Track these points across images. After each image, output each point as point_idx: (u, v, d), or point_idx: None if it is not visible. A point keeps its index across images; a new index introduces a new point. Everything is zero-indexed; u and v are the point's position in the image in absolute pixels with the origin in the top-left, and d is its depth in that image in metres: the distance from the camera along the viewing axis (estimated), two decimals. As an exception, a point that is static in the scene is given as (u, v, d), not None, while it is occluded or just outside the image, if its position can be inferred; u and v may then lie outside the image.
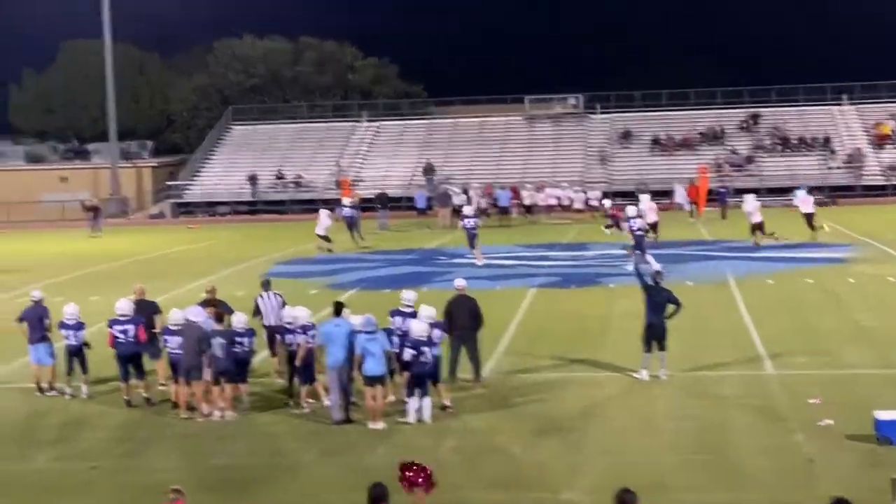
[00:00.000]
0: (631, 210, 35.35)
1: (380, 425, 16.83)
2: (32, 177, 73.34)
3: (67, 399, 19.36)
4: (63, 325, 19.56)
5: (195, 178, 70.60)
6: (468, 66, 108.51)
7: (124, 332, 18.70)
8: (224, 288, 24.16)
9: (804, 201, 42.09)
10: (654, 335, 19.64)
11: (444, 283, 30.26)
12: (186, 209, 67.71)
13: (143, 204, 72.90)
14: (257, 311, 20.55)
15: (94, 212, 57.35)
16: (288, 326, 18.49)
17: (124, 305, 19.04)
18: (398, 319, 18.53)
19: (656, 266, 32.57)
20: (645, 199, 42.11)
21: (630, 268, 32.11)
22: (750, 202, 40.78)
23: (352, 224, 45.20)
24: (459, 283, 20.34)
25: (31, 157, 77.18)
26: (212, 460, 15.74)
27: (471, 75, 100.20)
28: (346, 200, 46.75)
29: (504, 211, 53.28)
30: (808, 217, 40.99)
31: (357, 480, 14.48)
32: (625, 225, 36.10)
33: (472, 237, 37.25)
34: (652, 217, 39.29)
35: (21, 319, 20.30)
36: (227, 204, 67.60)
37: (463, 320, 19.47)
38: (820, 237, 40.41)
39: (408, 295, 19.06)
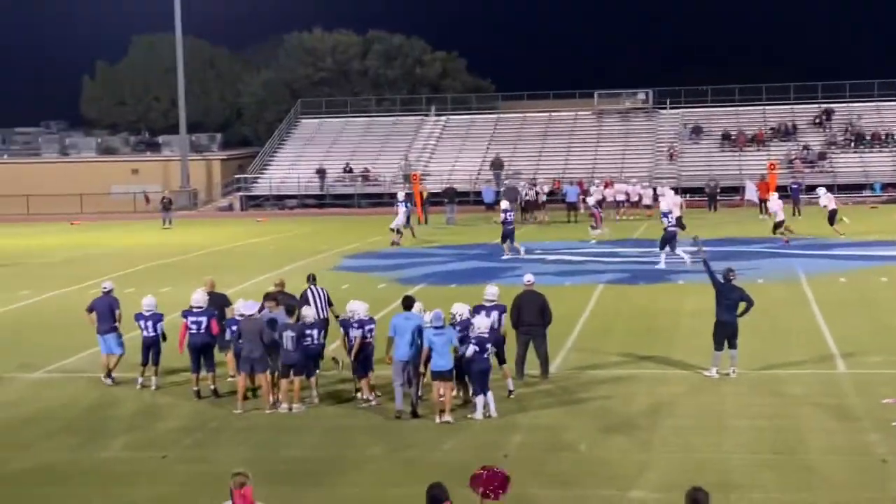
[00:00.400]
0: (664, 205, 36.45)
1: (448, 419, 16.86)
2: (104, 168, 74.33)
3: (139, 389, 19.57)
4: (140, 317, 19.65)
5: (264, 171, 71.15)
6: (537, 61, 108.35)
7: (198, 323, 18.87)
8: (292, 282, 24.26)
9: (828, 199, 41.88)
10: (725, 333, 19.47)
11: (512, 279, 30.26)
12: (255, 202, 68.28)
13: (213, 196, 73.62)
14: (306, 305, 20.59)
15: (164, 204, 58.02)
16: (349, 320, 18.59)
17: (200, 297, 19.19)
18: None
19: (662, 265, 33.29)
20: (669, 193, 42.84)
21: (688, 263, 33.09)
22: (824, 195, 41.31)
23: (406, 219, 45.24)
24: (528, 278, 20.28)
25: (103, 148, 78.19)
26: (280, 452, 15.86)
27: (539, 70, 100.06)
28: (399, 195, 47.05)
29: (572, 206, 53.06)
30: (832, 214, 40.96)
31: (424, 476, 14.54)
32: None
33: (508, 233, 37.64)
34: (676, 212, 39.02)
35: (91, 309, 20.52)
36: (295, 197, 68.06)
37: (531, 316, 19.43)
38: (842, 230, 40.30)
39: (491, 290, 18.95)
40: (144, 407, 18.49)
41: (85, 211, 67.44)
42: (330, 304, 20.88)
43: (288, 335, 17.88)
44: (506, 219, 37.82)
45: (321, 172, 68.28)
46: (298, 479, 14.67)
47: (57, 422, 17.75)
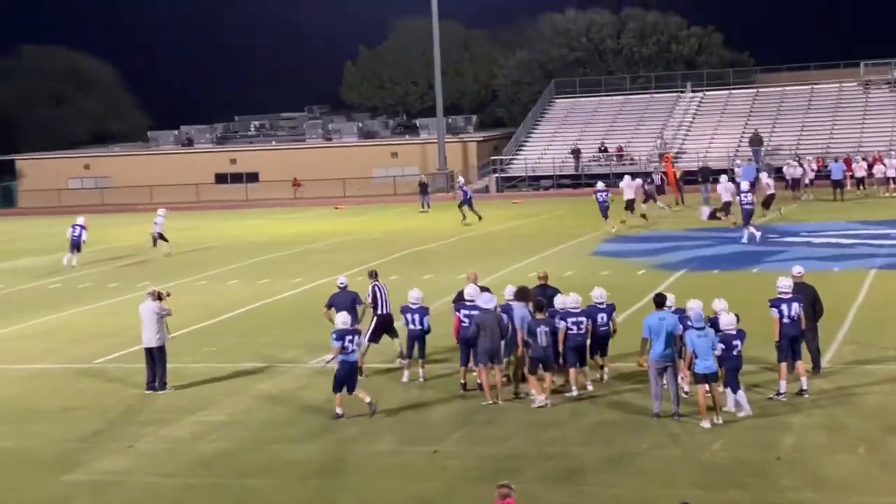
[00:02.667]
0: (745, 184, 38.49)
1: (718, 421, 16.38)
2: (365, 152, 76.33)
3: (405, 383, 19.90)
4: (407, 309, 19.74)
5: (519, 153, 71.48)
6: (796, 31, 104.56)
7: (470, 316, 18.78)
8: (551, 268, 24.23)
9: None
10: None
11: (777, 264, 29.34)
12: (510, 183, 68.68)
13: (468, 178, 74.42)
14: (374, 301, 20.72)
15: (422, 187, 59.07)
16: (561, 311, 18.47)
17: (472, 290, 19.25)
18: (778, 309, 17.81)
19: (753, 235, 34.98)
20: (723, 179, 44.68)
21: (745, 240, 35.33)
22: None
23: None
24: (797, 270, 19.50)
25: (364, 132, 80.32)
26: (545, 448, 15.84)
27: (799, 41, 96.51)
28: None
29: (838, 184, 50.92)
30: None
31: (694, 476, 14.28)
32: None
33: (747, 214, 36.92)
34: (726, 197, 41.93)
35: (330, 306, 20.56)
36: (549, 178, 68.10)
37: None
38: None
39: (784, 282, 18.12)
40: (412, 400, 18.78)
41: (347, 194, 69.48)
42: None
43: (542, 330, 17.87)
44: (745, 199, 37.00)
45: (576, 153, 68.03)
46: (564, 476, 14.60)
47: (325, 414, 18.09)
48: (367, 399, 17.70)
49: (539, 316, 18.15)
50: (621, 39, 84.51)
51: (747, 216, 36.59)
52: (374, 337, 20.67)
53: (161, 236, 41.30)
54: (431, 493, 14.24)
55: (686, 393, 17.30)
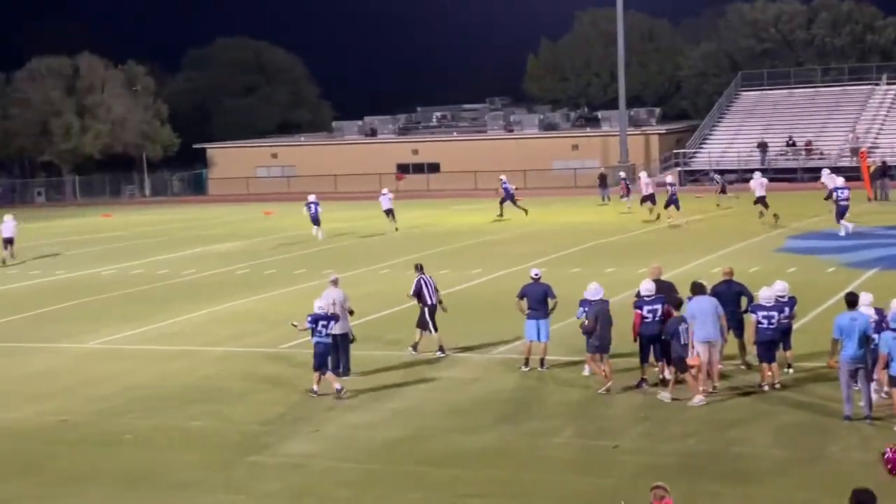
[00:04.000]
0: (840, 179, 39.10)
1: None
2: (545, 145, 76.23)
3: (585, 376, 19.72)
4: (585, 303, 19.30)
5: (702, 146, 70.27)
6: None
7: (653, 311, 18.64)
8: (735, 264, 23.66)
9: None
10: None
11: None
12: (693, 177, 67.56)
13: (651, 172, 73.49)
14: (419, 293, 21.69)
15: (601, 180, 58.67)
16: (765, 304, 18.11)
17: (650, 286, 18.99)
18: None
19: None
20: (643, 174, 46.92)
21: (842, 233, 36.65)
22: None
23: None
24: None
25: (545, 125, 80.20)
26: (730, 448, 15.53)
27: None
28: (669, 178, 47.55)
29: None
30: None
31: (888, 486, 13.75)
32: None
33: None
34: (648, 190, 44.70)
35: (522, 296, 20.55)
36: (734, 172, 66.66)
37: None
38: None
39: None
40: (591, 394, 18.66)
41: (528, 186, 69.45)
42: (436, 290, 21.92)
43: (683, 328, 17.75)
44: (839, 195, 37.56)
45: (762, 146, 66.46)
46: (744, 477, 14.29)
47: (504, 405, 18.22)
48: (337, 386, 19.06)
49: (678, 314, 18.05)
50: (812, 29, 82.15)
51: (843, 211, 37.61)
52: (424, 325, 21.70)
53: (391, 213, 46.35)
54: (611, 489, 14.12)
55: (885, 394, 16.63)
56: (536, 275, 21.02)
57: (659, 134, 75.72)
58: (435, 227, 48.16)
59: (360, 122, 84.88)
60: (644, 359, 18.86)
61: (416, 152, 79.01)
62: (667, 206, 44.40)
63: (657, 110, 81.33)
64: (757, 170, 51.60)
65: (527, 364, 20.36)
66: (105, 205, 76.64)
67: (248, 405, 19.02)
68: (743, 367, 19.37)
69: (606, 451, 15.66)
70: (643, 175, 49.02)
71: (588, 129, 79.03)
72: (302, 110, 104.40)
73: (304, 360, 21.84)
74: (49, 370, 22.58)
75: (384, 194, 47.52)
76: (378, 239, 44.28)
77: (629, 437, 16.25)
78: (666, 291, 19.25)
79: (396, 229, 45.93)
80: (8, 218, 41.52)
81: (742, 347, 19.39)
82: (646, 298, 18.80)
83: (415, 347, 22.06)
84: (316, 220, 43.90)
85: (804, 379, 18.70)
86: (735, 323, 18.97)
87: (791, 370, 18.94)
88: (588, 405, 18.02)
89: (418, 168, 78.09)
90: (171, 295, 31.68)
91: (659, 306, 18.63)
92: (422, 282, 21.93)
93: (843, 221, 37.50)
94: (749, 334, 18.41)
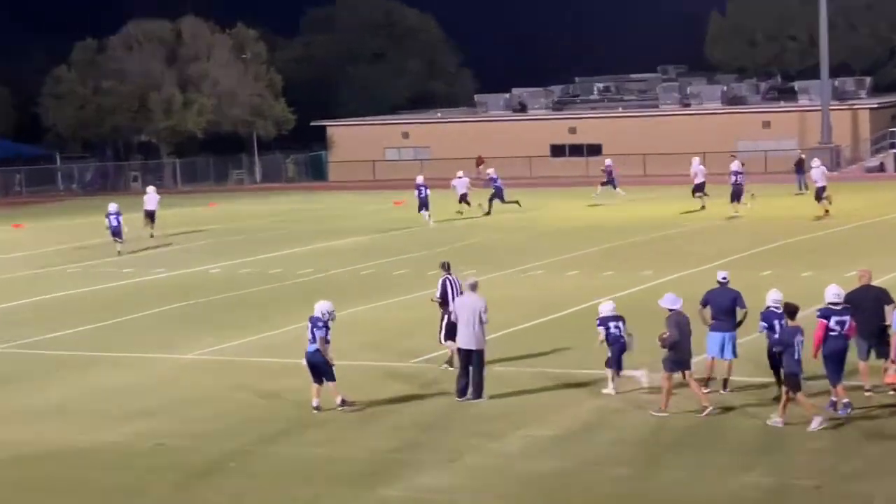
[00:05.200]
0: None
1: None
2: (729, 121, 75.20)
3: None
4: (773, 315, 18.90)
5: (924, 123, 68.55)
6: None
7: (841, 323, 18.23)
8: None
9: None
10: None
11: None
12: None
13: (859, 154, 71.97)
14: (444, 296, 21.92)
15: (797, 165, 57.60)
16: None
17: (837, 290, 18.53)
18: None
19: None
20: (816, 162, 47.08)
21: None
22: None
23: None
24: None
25: (729, 98, 79.09)
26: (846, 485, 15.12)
27: None
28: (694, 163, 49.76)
29: None
30: None
31: None
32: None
33: None
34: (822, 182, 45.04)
35: (705, 303, 20.21)
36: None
37: None
38: None
39: None
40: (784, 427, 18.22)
41: (710, 171, 68.34)
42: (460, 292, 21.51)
43: (799, 340, 17.61)
44: None
45: None
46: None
47: (682, 434, 18.12)
48: (338, 399, 19.91)
49: (793, 323, 17.87)
50: None
51: None
52: (450, 335, 21.24)
53: (465, 199, 49.71)
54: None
55: None
56: (724, 278, 20.55)
57: (870, 109, 74.10)
58: (600, 220, 47.77)
59: (506, 96, 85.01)
60: (835, 381, 18.38)
61: (573, 131, 78.75)
62: (732, 201, 47.24)
63: (867, 80, 79.62)
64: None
65: (707, 385, 20.01)
66: (209, 192, 78.17)
67: (376, 428, 19.11)
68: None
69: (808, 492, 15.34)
70: (816, 162, 47.56)
71: (782, 103, 77.74)
72: (438, 81, 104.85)
73: (435, 376, 21.87)
74: (142, 385, 23.01)
75: (459, 178, 50.47)
76: (522, 235, 44.10)
77: (836, 477, 15.83)
78: (876, 300, 18.72)
79: (460, 213, 49.61)
80: (151, 190, 48.45)
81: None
82: (833, 308, 18.31)
83: (450, 363, 21.91)
84: (425, 204, 47.09)
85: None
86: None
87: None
88: (784, 436, 17.61)
89: (576, 150, 77.82)
90: (285, 298, 32.06)
91: (847, 318, 18.22)
92: (447, 283, 22.12)
93: None
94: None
